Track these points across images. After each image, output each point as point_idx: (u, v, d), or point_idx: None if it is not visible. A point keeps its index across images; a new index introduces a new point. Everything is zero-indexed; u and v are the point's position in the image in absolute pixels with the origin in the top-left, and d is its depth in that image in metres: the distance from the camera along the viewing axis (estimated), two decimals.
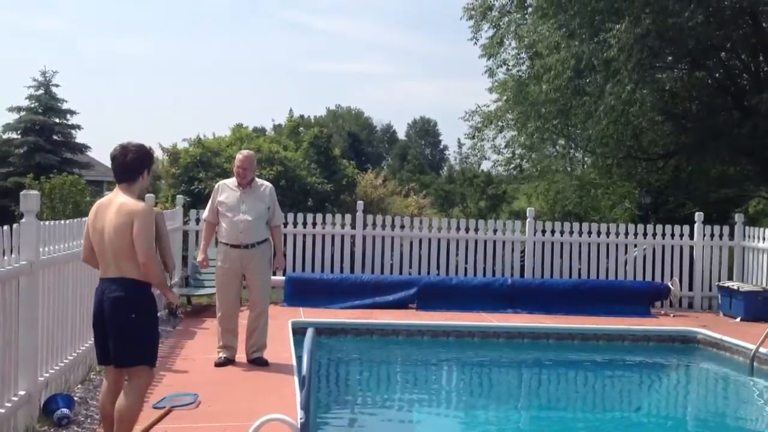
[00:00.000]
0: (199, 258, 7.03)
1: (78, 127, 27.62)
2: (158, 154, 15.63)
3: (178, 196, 12.08)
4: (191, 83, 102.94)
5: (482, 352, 9.22)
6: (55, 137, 26.86)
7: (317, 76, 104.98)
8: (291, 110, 26.21)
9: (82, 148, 27.91)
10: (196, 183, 14.02)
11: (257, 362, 6.69)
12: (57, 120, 27.15)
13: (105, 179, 29.85)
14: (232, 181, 6.88)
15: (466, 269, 11.48)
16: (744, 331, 9.19)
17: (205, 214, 7.05)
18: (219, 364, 6.64)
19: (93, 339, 4.25)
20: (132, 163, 4.18)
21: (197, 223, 10.78)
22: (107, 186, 26.19)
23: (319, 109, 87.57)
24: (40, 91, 27.09)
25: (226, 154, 14.72)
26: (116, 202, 4.13)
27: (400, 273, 11.27)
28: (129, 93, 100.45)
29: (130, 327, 4.05)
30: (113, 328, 4.06)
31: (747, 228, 11.57)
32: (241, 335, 6.82)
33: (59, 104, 27.29)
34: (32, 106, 27.00)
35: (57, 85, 27.37)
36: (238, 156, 6.86)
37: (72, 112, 27.41)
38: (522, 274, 11.43)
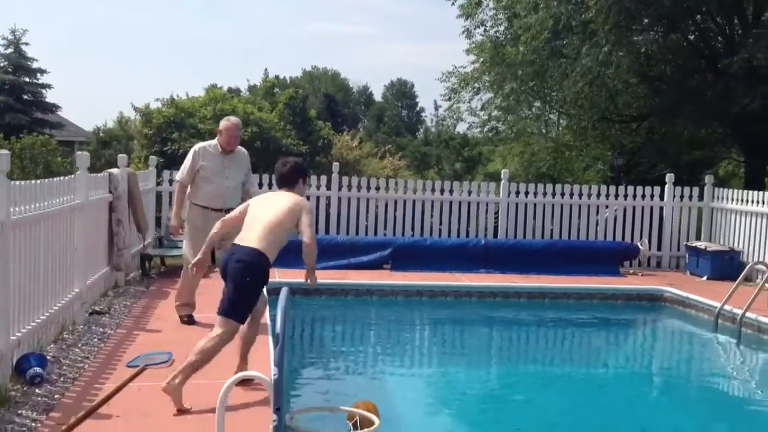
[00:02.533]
0: (173, 222, 6.99)
1: (48, 86, 27.15)
2: (131, 114, 15.45)
3: (151, 156, 11.98)
4: (164, 43, 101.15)
5: (455, 312, 9.36)
6: (25, 96, 26.37)
7: (293, 37, 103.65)
8: (266, 70, 25.75)
9: (53, 108, 27.43)
10: (170, 144, 13.90)
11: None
12: (27, 79, 26.63)
13: (76, 139, 29.38)
14: (212, 145, 6.75)
15: (440, 230, 11.58)
16: (710, 289, 9.42)
17: (181, 175, 6.77)
18: (186, 322, 6.69)
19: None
20: (288, 173, 5.13)
21: (170, 184, 10.72)
22: (78, 146, 25.78)
23: (295, 69, 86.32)
24: (10, 50, 26.50)
25: (200, 115, 14.58)
26: (287, 194, 5.04)
27: (375, 234, 11.34)
28: (101, 52, 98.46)
29: (243, 287, 4.77)
30: (232, 284, 4.75)
31: (716, 189, 11.76)
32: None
33: (29, 63, 26.74)
34: (1, 64, 26.42)
35: (27, 44, 26.83)
36: (227, 124, 6.68)
37: (42, 71, 26.89)
38: (495, 235, 11.57)
